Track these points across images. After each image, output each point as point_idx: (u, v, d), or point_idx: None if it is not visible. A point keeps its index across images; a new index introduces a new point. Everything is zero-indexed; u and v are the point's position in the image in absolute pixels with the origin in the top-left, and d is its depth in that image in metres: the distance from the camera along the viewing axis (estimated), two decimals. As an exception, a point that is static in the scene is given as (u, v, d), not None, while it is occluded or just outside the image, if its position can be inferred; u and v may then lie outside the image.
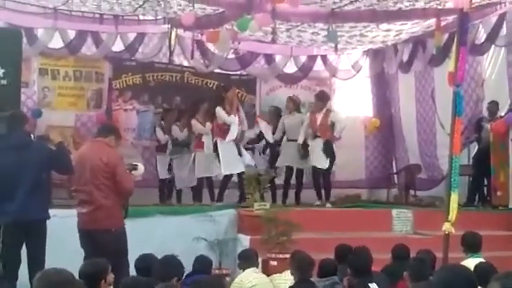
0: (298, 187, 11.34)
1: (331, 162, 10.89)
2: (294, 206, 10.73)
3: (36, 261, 6.54)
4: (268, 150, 11.73)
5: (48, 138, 7.20)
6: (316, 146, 10.81)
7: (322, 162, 10.81)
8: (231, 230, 9.12)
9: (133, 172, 7.17)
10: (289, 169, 11.41)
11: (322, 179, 11.03)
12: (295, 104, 11.57)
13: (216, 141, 10.51)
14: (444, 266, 4.45)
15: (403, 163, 13.71)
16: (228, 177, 10.69)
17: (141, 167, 7.40)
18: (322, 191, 11.06)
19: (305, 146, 11.02)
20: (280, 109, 11.90)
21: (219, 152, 10.42)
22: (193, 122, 10.91)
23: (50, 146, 7.01)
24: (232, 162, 10.44)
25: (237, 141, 10.55)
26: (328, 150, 10.78)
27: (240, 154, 10.56)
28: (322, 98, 11.21)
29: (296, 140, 11.08)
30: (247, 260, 7.12)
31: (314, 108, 11.18)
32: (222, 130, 10.45)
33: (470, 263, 5.90)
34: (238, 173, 10.54)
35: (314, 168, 11.06)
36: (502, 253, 8.23)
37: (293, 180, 11.48)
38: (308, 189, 11.31)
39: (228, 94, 10.67)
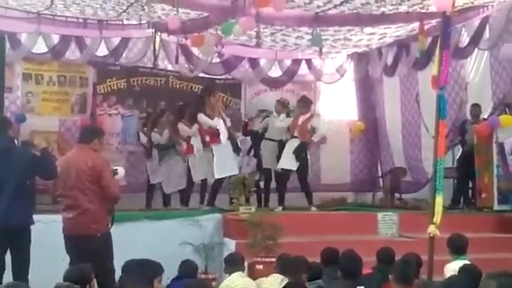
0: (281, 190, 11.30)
1: (303, 165, 10.84)
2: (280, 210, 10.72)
3: (21, 267, 6.51)
4: (253, 152, 11.71)
5: (32, 144, 7.16)
6: (289, 146, 10.77)
7: (288, 164, 10.75)
8: (217, 234, 9.13)
9: (115, 177, 7.14)
10: (267, 171, 11.40)
11: (300, 184, 10.96)
12: (283, 106, 11.58)
13: (211, 147, 10.50)
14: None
15: (388, 166, 13.76)
16: (219, 182, 10.64)
17: (121, 171, 7.36)
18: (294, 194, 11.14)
19: (282, 145, 11.04)
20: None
21: (214, 156, 10.40)
22: (180, 125, 10.88)
23: (35, 152, 6.96)
24: (225, 165, 10.41)
25: (231, 137, 10.55)
26: (300, 152, 10.72)
27: (236, 150, 10.55)
28: (305, 104, 11.22)
29: (273, 140, 11.12)
30: (233, 264, 7.11)
31: (298, 113, 11.16)
32: (212, 135, 10.44)
33: (456, 265, 5.94)
34: (230, 177, 10.54)
35: (282, 170, 10.95)
36: (487, 255, 8.27)
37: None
38: (293, 193, 11.29)
39: (211, 99, 10.66)
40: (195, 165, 10.77)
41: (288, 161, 10.73)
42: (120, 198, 7.05)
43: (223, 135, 10.38)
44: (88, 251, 6.50)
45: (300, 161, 10.71)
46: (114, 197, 6.87)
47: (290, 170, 10.84)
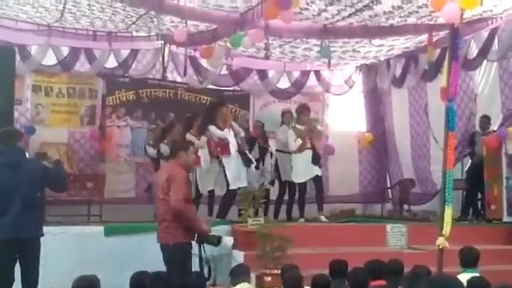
0: (291, 201, 11.27)
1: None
2: (288, 221, 10.69)
3: (30, 279, 6.50)
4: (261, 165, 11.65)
5: (46, 156, 7.20)
6: (303, 158, 10.76)
7: (315, 172, 10.78)
8: (225, 246, 9.09)
9: None
10: (283, 183, 11.40)
11: (316, 188, 10.96)
12: (288, 114, 11.56)
13: (221, 158, 10.49)
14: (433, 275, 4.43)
15: (397, 178, 13.74)
16: (233, 193, 10.58)
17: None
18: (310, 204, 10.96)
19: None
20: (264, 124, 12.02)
21: (225, 167, 10.38)
22: (188, 135, 10.85)
23: (48, 164, 6.98)
24: (239, 177, 10.37)
25: (241, 150, 10.52)
26: (317, 159, 10.78)
27: (247, 163, 10.54)
28: (303, 111, 11.08)
29: (289, 152, 11.09)
30: (238, 275, 7.06)
31: (298, 122, 11.06)
32: (222, 146, 10.43)
33: (464, 277, 5.90)
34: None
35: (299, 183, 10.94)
36: (496, 267, 8.21)
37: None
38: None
39: (222, 109, 10.63)
40: (202, 177, 10.76)
41: (307, 172, 10.72)
42: (181, 212, 7.10)
43: (233, 147, 10.37)
44: (164, 259, 7.05)
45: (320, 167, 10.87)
46: (174, 209, 7.06)
47: (306, 182, 10.84)
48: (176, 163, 7.37)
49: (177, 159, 7.41)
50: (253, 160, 10.79)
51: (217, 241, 7.49)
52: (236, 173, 10.33)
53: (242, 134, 10.79)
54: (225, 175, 10.32)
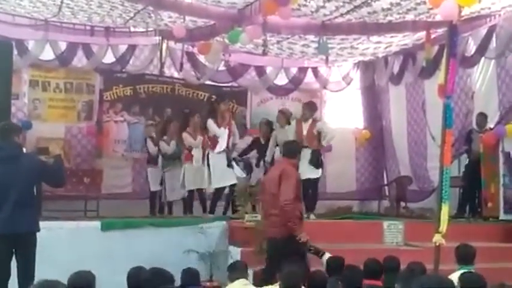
0: None
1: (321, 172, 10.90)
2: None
3: (26, 274, 6.48)
4: (262, 163, 11.62)
5: (47, 151, 7.19)
6: (303, 157, 10.72)
7: (312, 173, 10.76)
8: (222, 242, 9.11)
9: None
10: None
11: (310, 190, 10.96)
12: (286, 117, 11.53)
13: (208, 153, 10.50)
14: (426, 275, 4.44)
15: (394, 175, 13.74)
16: (220, 190, 10.63)
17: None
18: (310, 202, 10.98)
19: None
20: (272, 122, 11.85)
21: (210, 164, 10.40)
22: (185, 135, 10.86)
23: (48, 158, 6.97)
24: (222, 175, 10.40)
25: (227, 153, 10.53)
26: (316, 160, 10.74)
27: (229, 165, 10.53)
28: (311, 108, 11.13)
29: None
30: (235, 271, 7.06)
31: (301, 117, 11.08)
32: (213, 142, 10.46)
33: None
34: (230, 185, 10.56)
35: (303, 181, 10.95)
36: (492, 265, 8.21)
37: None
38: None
39: (221, 106, 10.64)
40: (190, 175, 10.74)
41: (310, 171, 10.66)
42: (286, 211, 7.16)
43: (219, 147, 10.39)
44: (270, 252, 7.34)
45: (321, 167, 10.87)
46: (282, 206, 7.15)
47: (309, 179, 10.82)
48: (290, 162, 7.54)
49: (294, 160, 7.67)
50: (233, 165, 10.77)
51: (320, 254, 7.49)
52: (219, 173, 10.36)
53: (237, 136, 10.84)
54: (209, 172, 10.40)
